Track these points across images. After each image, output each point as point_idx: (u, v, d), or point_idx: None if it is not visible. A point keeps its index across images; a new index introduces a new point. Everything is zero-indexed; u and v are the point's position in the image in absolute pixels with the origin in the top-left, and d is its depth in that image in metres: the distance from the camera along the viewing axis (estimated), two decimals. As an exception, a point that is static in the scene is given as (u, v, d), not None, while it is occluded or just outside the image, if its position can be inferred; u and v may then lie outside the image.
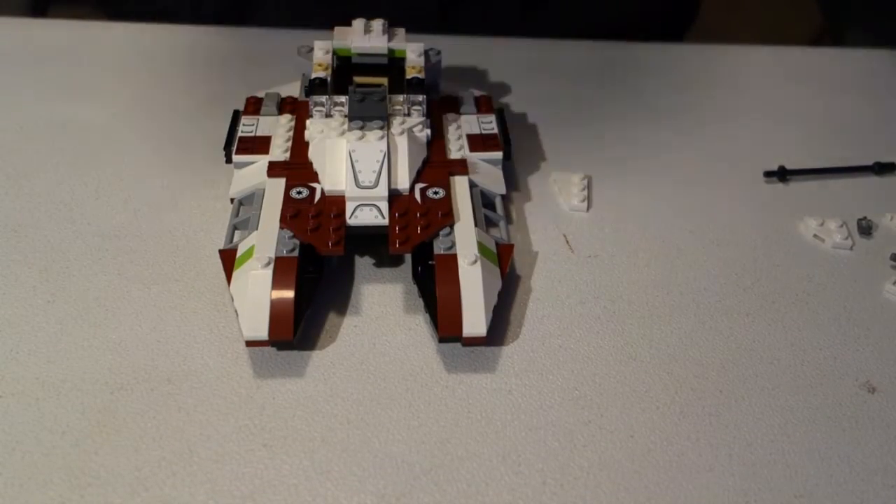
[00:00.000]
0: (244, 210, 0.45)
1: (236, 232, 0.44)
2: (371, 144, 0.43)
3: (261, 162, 0.46)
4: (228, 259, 0.41)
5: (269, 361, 0.38)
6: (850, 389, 0.39)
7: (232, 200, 0.45)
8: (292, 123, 0.48)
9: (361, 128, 0.44)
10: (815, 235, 0.47)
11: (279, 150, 0.46)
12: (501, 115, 0.51)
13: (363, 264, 0.44)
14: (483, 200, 0.46)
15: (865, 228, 0.48)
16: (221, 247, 0.43)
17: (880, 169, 0.53)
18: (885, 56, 0.67)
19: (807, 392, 0.38)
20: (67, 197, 0.48)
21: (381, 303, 0.42)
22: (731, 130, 0.57)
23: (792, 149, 0.55)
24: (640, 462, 0.35)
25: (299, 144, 0.46)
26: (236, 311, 0.38)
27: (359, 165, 0.42)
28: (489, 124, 0.50)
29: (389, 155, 0.43)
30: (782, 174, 0.52)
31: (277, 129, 0.48)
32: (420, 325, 0.41)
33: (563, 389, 0.38)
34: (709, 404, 0.38)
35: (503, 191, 0.47)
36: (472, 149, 0.48)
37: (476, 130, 0.49)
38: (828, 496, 0.34)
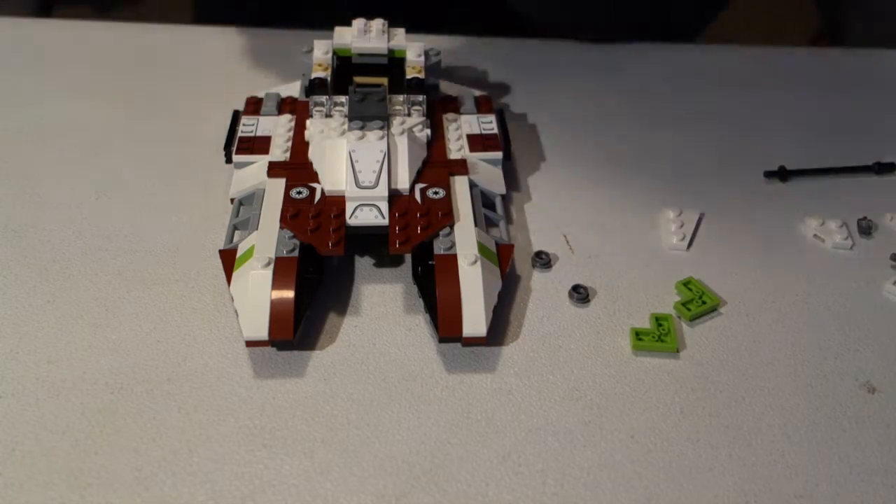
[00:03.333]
0: (244, 210, 0.45)
1: (236, 232, 0.44)
2: (371, 144, 0.43)
3: (261, 162, 0.46)
4: (228, 259, 0.41)
5: (269, 361, 0.38)
6: (850, 389, 0.39)
7: (232, 200, 0.45)
8: (292, 124, 0.48)
9: (361, 128, 0.44)
10: (815, 235, 0.47)
11: (279, 151, 0.46)
12: (501, 116, 0.51)
13: (363, 264, 0.44)
14: (483, 200, 0.46)
15: (865, 228, 0.48)
16: (221, 247, 0.43)
17: (880, 169, 0.53)
18: (885, 56, 0.67)
19: (807, 392, 0.38)
20: (67, 197, 0.48)
21: (381, 303, 0.42)
22: (731, 130, 0.57)
23: (792, 149, 0.55)
24: (641, 462, 0.35)
25: (299, 144, 0.46)
26: (236, 312, 0.38)
27: (359, 165, 0.42)
28: (489, 124, 0.50)
29: (389, 155, 0.43)
30: (782, 174, 0.52)
31: (277, 129, 0.48)
32: (420, 325, 0.41)
33: (563, 389, 0.38)
34: (709, 404, 0.38)
35: (503, 191, 0.47)
36: (472, 149, 0.48)
37: (476, 130, 0.49)
38: (828, 496, 0.34)
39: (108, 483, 0.33)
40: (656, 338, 0.40)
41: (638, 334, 0.40)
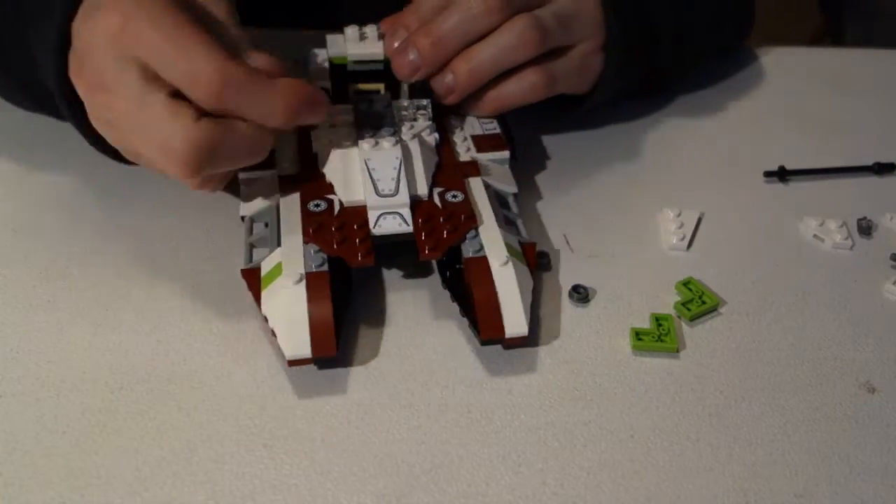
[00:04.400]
0: (258, 227, 0.44)
1: (254, 250, 0.43)
2: (386, 151, 0.42)
3: (267, 176, 0.44)
4: (253, 278, 0.40)
5: (269, 362, 0.38)
6: (850, 389, 0.39)
7: (243, 218, 0.44)
8: (295, 135, 0.48)
9: (373, 135, 0.43)
10: (815, 235, 0.47)
11: (287, 164, 0.45)
12: (503, 116, 0.51)
13: (368, 269, 0.44)
14: (498, 200, 0.45)
15: (865, 228, 0.48)
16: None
17: (880, 169, 0.53)
18: (885, 56, 0.67)
19: (807, 392, 0.38)
20: (67, 197, 0.48)
21: (382, 304, 0.42)
22: (731, 130, 0.57)
23: (792, 149, 0.55)
24: (640, 462, 0.35)
25: (306, 156, 0.45)
26: (272, 332, 0.38)
27: (376, 174, 0.42)
28: (491, 124, 0.50)
29: (405, 161, 0.42)
30: (782, 174, 0.52)
31: (281, 141, 0.47)
32: (420, 326, 0.41)
33: (563, 389, 0.38)
34: (709, 404, 0.38)
35: (515, 189, 0.46)
36: (479, 150, 0.47)
37: (479, 132, 0.49)
38: (828, 496, 0.34)
39: (108, 483, 0.33)
40: (656, 338, 0.40)
41: (638, 334, 0.40)
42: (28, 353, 0.38)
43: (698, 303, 0.42)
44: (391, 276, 0.43)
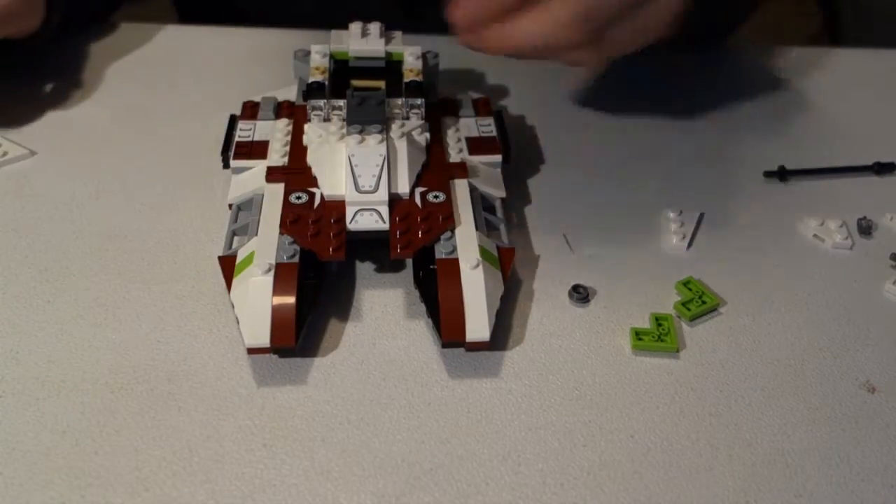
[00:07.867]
0: (242, 216, 0.45)
1: (235, 238, 0.44)
2: (370, 149, 0.42)
3: (258, 167, 0.45)
4: (228, 266, 0.40)
5: (269, 362, 0.38)
6: (850, 389, 0.39)
7: (230, 206, 0.45)
8: (290, 128, 0.48)
9: (360, 132, 0.43)
10: (815, 235, 0.47)
11: (277, 155, 0.46)
12: (500, 118, 0.51)
13: (363, 269, 0.44)
14: (483, 204, 0.45)
15: (865, 228, 0.48)
16: (220, 251, 0.42)
17: (880, 169, 0.53)
18: (885, 56, 0.67)
19: (807, 392, 0.38)
20: (67, 197, 0.48)
21: (382, 306, 0.42)
22: (731, 130, 0.57)
23: (792, 149, 0.55)
24: (640, 462, 0.35)
25: (297, 149, 0.46)
26: (237, 319, 0.38)
27: (358, 170, 0.42)
28: (488, 127, 0.50)
29: (389, 159, 0.42)
30: (782, 174, 0.52)
31: (275, 133, 0.48)
32: (420, 327, 0.41)
33: (563, 389, 0.38)
34: (709, 404, 0.38)
35: (503, 194, 0.46)
36: (472, 152, 0.47)
37: (475, 133, 0.49)
38: (828, 496, 0.34)
39: (108, 483, 0.33)
40: (656, 338, 0.40)
41: (638, 334, 0.40)
42: (28, 353, 0.38)
43: (698, 303, 0.42)
44: (367, 272, 0.44)
